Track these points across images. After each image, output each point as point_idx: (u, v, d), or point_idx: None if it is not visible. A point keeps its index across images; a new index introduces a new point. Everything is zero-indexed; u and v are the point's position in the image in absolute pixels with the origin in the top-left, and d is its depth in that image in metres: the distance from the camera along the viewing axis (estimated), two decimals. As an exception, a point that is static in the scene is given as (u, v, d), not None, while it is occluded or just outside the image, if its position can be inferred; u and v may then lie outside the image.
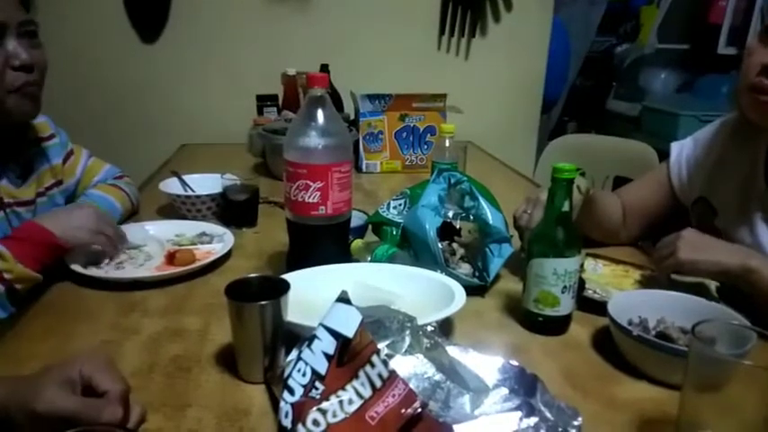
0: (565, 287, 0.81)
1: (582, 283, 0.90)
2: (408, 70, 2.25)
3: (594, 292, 0.91)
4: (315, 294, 0.77)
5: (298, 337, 0.72)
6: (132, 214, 1.29)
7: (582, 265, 0.93)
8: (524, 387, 0.63)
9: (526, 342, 0.83)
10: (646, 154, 1.83)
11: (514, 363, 0.66)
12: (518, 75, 2.38)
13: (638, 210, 1.18)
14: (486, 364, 0.67)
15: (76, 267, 0.97)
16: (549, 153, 2.06)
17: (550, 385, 0.63)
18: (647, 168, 1.46)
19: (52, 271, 0.96)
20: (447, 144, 1.21)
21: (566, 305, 0.82)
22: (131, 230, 1.13)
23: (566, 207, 0.80)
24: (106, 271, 1.00)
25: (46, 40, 1.01)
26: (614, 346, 0.77)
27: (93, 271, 0.98)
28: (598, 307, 0.86)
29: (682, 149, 1.16)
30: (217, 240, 1.14)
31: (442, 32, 2.28)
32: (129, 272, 1.01)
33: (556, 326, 0.84)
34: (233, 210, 1.25)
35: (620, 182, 1.71)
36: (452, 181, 1.01)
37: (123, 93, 2.17)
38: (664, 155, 1.22)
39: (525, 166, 2.21)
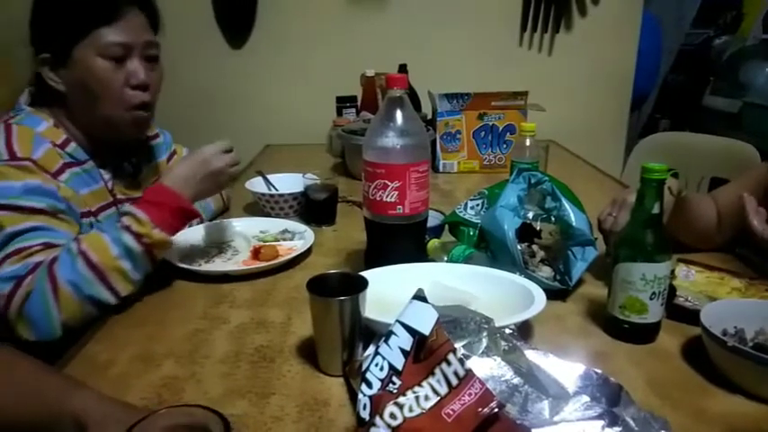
0: (654, 293, 0.77)
1: (672, 291, 0.85)
2: (488, 68, 2.22)
3: (686, 299, 0.86)
4: (391, 292, 0.78)
5: (374, 334, 0.73)
6: (223, 211, 1.37)
7: (673, 271, 0.88)
8: (607, 395, 0.61)
9: (610, 349, 0.79)
10: (746, 154, 1.69)
11: (597, 370, 0.64)
12: (605, 71, 2.29)
13: (735, 213, 1.10)
14: (566, 370, 0.65)
15: (172, 260, 1.04)
16: (638, 152, 1.96)
17: (635, 395, 0.61)
18: (747, 169, 1.35)
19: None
20: (527, 143, 1.18)
21: (654, 312, 0.78)
22: (221, 227, 1.19)
23: (656, 209, 0.77)
24: (199, 264, 1.06)
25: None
26: (707, 358, 0.73)
27: (186, 263, 1.05)
28: (690, 316, 0.81)
29: (788, 148, 1.07)
30: (298, 237, 1.18)
31: (523, 28, 2.23)
32: (219, 265, 1.07)
33: (643, 334, 0.80)
34: (313, 208, 1.29)
35: (716, 183, 1.60)
36: (533, 181, 0.98)
37: (213, 96, 2.30)
38: (766, 155, 1.13)
39: (612, 166, 2.12)
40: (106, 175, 1.08)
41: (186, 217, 0.97)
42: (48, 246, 0.88)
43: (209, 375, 0.74)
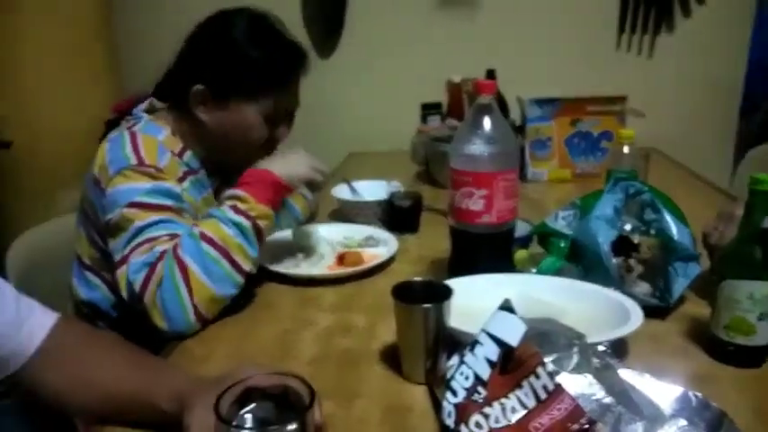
0: (762, 314, 0.71)
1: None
2: (582, 72, 2.13)
3: (803, 323, 0.78)
4: (476, 302, 0.76)
5: (458, 343, 0.73)
6: (310, 218, 1.41)
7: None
8: (707, 421, 0.57)
9: (712, 372, 0.74)
10: None
11: (697, 394, 0.60)
12: (711, 74, 2.14)
13: None
14: (663, 391, 0.62)
15: (263, 263, 1.08)
16: (748, 162, 1.81)
17: (739, 423, 0.56)
18: None
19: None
20: (626, 151, 1.13)
21: (763, 334, 0.72)
22: (308, 232, 1.23)
23: (765, 223, 0.71)
24: (287, 267, 1.10)
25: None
26: (830, 389, 0.66)
27: (275, 267, 1.09)
28: (807, 341, 0.74)
29: None
30: (382, 244, 1.19)
31: (621, 30, 2.13)
32: (306, 269, 1.10)
33: (750, 357, 0.74)
34: (397, 215, 1.30)
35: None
36: (631, 191, 0.94)
37: (302, 105, 2.38)
38: None
39: (720, 176, 1.96)
40: (215, 183, 1.15)
41: (281, 190, 1.01)
42: (172, 237, 0.93)
43: (298, 375, 0.76)
